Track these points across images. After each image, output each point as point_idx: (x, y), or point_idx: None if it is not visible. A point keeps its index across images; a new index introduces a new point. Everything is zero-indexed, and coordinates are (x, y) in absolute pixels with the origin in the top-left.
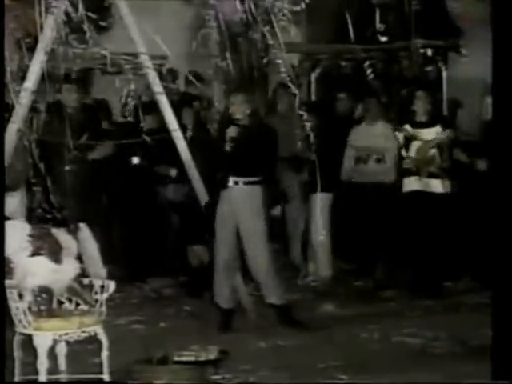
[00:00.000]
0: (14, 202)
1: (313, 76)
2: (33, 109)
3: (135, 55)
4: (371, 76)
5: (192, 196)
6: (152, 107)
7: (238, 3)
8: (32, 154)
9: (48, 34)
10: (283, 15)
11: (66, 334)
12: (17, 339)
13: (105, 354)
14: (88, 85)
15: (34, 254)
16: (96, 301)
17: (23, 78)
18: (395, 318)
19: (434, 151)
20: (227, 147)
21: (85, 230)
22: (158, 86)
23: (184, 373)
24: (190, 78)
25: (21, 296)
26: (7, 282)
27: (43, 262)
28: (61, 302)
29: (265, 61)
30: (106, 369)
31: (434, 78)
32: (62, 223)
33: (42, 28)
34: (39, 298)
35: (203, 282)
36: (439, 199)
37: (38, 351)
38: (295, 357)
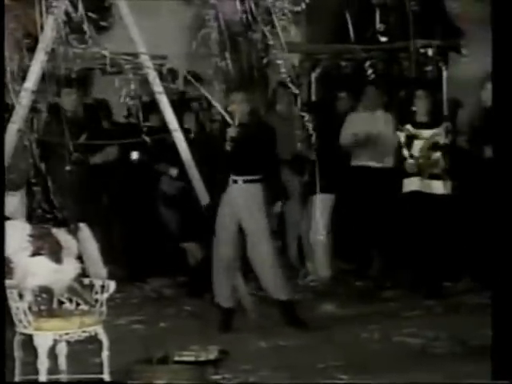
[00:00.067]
0: (15, 201)
1: (313, 76)
2: (33, 109)
3: (135, 55)
4: (371, 76)
5: (189, 194)
6: (152, 107)
7: (238, 3)
8: (32, 154)
9: (48, 34)
10: (283, 15)
11: (67, 333)
12: (17, 339)
13: (105, 353)
14: (88, 85)
15: (35, 253)
16: (96, 301)
17: (23, 78)
18: (395, 318)
19: (438, 154)
20: (227, 147)
21: (85, 230)
22: (157, 86)
23: (184, 373)
24: (189, 77)
25: (21, 296)
26: (7, 281)
27: (43, 262)
28: (61, 302)
29: (265, 61)
30: (106, 369)
31: (434, 78)
32: (62, 223)
33: (42, 28)
34: (39, 298)
35: (203, 281)
36: (439, 200)
37: (39, 351)
38: (295, 357)
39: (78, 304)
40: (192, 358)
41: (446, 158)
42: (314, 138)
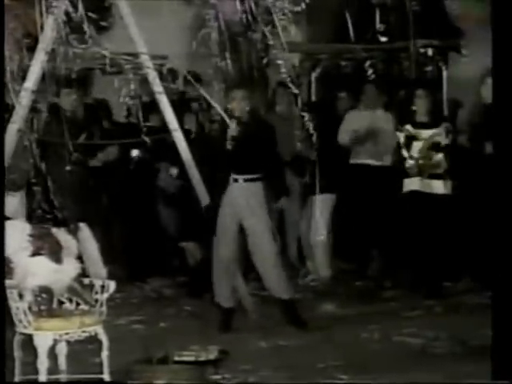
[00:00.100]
0: (14, 202)
1: (313, 76)
2: (33, 109)
3: (135, 55)
4: (371, 76)
5: (189, 194)
6: (152, 107)
7: (238, 3)
8: (32, 154)
9: (48, 34)
10: (283, 15)
11: (67, 333)
12: (17, 339)
13: (105, 353)
14: (88, 85)
15: (35, 253)
16: (96, 301)
17: (23, 78)
18: (395, 317)
19: (440, 156)
20: (228, 146)
21: (85, 230)
22: (158, 86)
23: (184, 373)
24: (189, 77)
25: (21, 296)
26: (7, 281)
27: (43, 262)
28: (61, 302)
29: (265, 61)
30: (106, 369)
31: (434, 77)
32: (62, 223)
33: (42, 28)
34: (39, 298)
35: (203, 281)
36: (439, 199)
37: (39, 351)
38: (295, 357)
39: (77, 304)
40: (192, 358)
41: (447, 159)
42: (314, 138)
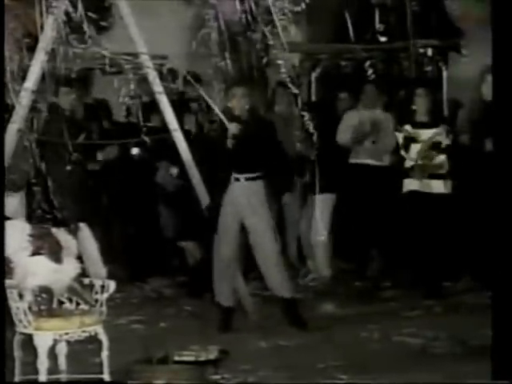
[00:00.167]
0: (14, 202)
1: (313, 76)
2: (33, 109)
3: (135, 55)
4: (372, 76)
5: (189, 194)
6: (152, 107)
7: (237, 3)
8: (32, 154)
9: (48, 34)
10: (283, 15)
11: (67, 333)
12: (17, 339)
13: (105, 353)
14: (88, 85)
15: (35, 253)
16: (96, 300)
17: (23, 78)
18: (395, 317)
19: (442, 157)
20: (229, 144)
21: (85, 230)
22: (158, 86)
23: (184, 373)
24: (188, 78)
25: (21, 296)
26: (7, 281)
27: (43, 262)
28: (61, 302)
29: (264, 60)
30: (106, 369)
31: (434, 77)
32: (62, 223)
33: (42, 28)
34: (39, 298)
35: (203, 281)
36: (439, 199)
37: (39, 351)
38: (295, 357)
39: (77, 304)
40: (192, 358)
41: (449, 160)
42: (314, 138)
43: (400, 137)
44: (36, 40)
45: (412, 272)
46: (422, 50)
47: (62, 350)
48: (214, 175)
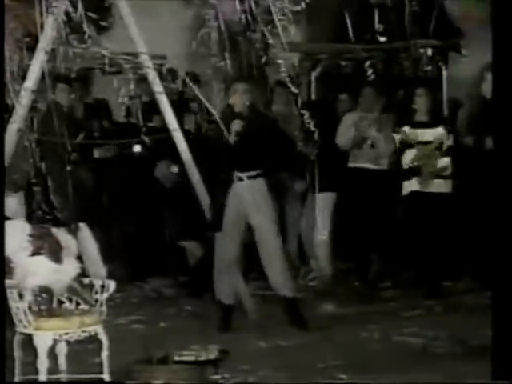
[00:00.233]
0: (14, 202)
1: (313, 75)
2: (33, 108)
3: (135, 55)
4: (371, 76)
5: (190, 193)
6: (152, 107)
7: (237, 3)
8: (32, 154)
9: (48, 34)
10: (283, 15)
11: (67, 333)
12: (17, 339)
13: (105, 353)
14: (88, 84)
15: (35, 253)
16: (96, 300)
17: (23, 78)
18: (395, 317)
19: (446, 160)
20: (232, 141)
21: (85, 230)
22: (157, 86)
23: (184, 372)
24: (187, 81)
25: (21, 296)
26: (7, 281)
27: (43, 262)
28: (61, 302)
29: (263, 60)
30: (106, 368)
31: (434, 77)
32: (62, 223)
33: (42, 28)
34: (39, 298)
35: (204, 281)
36: (439, 199)
37: (38, 351)
38: (295, 356)
39: (77, 304)
40: (192, 358)
41: (453, 162)
42: (315, 136)
43: (397, 139)
44: (36, 40)
45: (412, 272)
46: (421, 50)
47: (62, 349)
48: (214, 174)
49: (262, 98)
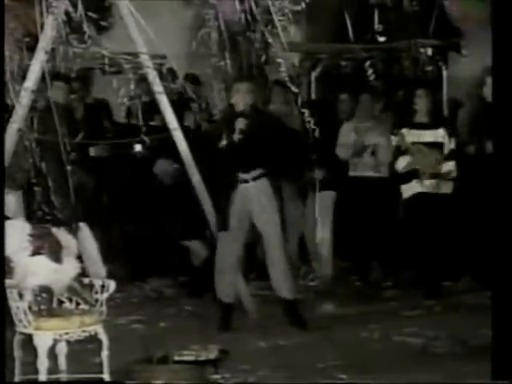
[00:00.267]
0: (13, 200)
1: (313, 75)
2: (33, 108)
3: (135, 55)
4: (372, 76)
5: (190, 193)
6: (152, 107)
7: (237, 3)
8: (32, 153)
9: (48, 34)
10: (283, 15)
11: (67, 333)
12: (17, 339)
13: (105, 353)
14: (88, 84)
15: (35, 253)
16: (96, 300)
17: (23, 78)
18: (395, 317)
19: (451, 164)
20: (236, 139)
21: (85, 230)
22: (157, 86)
23: (184, 372)
24: (186, 83)
25: (21, 295)
26: (7, 281)
27: (43, 262)
28: (61, 302)
29: (263, 59)
30: (106, 368)
31: (434, 77)
32: (62, 223)
33: (42, 27)
34: (39, 298)
35: (204, 281)
36: (440, 200)
37: (38, 351)
38: (295, 356)
39: (77, 303)
40: (192, 358)
41: (457, 165)
42: (316, 134)
43: (394, 141)
44: (36, 40)
45: (412, 272)
46: (422, 50)
47: (62, 349)
48: (218, 174)
49: (261, 97)
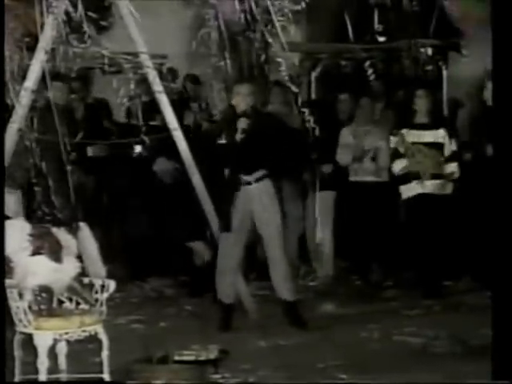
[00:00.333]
0: (12, 199)
1: (313, 75)
2: (33, 108)
3: (135, 54)
4: (372, 76)
5: (191, 193)
6: (152, 107)
7: (237, 3)
8: (32, 153)
9: (48, 34)
10: (283, 15)
11: (67, 333)
12: (17, 338)
13: (105, 353)
14: (88, 84)
15: (35, 253)
16: (96, 300)
17: (23, 78)
18: (396, 317)
19: (453, 165)
20: (238, 139)
21: (85, 230)
22: (157, 86)
23: (184, 372)
24: (185, 83)
25: (21, 295)
26: (7, 281)
27: (43, 262)
28: (61, 302)
29: (263, 59)
30: (106, 368)
31: (434, 77)
32: (62, 223)
33: (42, 27)
34: (39, 298)
35: (204, 281)
36: (440, 200)
37: (39, 350)
38: (295, 356)
39: (77, 303)
40: (192, 358)
41: (459, 167)
42: (316, 132)
43: (393, 142)
44: (36, 39)
45: (413, 272)
46: (422, 50)
47: (62, 349)
48: (220, 175)
49: (261, 98)
